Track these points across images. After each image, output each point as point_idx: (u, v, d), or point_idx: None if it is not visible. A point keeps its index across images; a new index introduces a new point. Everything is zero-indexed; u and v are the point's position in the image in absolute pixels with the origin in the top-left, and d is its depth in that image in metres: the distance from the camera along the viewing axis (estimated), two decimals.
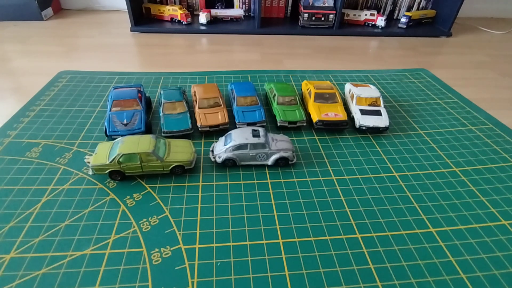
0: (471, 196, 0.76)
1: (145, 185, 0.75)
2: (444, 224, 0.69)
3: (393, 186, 0.78)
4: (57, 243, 0.61)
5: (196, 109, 0.92)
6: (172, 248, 0.61)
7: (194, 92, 0.98)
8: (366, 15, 1.80)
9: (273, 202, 0.72)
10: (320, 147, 0.90)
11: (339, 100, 0.98)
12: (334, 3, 1.74)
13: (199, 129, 0.89)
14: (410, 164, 0.85)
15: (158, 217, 0.67)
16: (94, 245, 0.61)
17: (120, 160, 0.72)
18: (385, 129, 0.94)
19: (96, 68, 1.28)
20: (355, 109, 0.98)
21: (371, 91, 1.01)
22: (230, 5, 1.88)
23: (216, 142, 0.85)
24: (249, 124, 0.91)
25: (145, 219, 0.67)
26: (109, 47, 1.49)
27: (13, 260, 0.58)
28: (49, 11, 1.83)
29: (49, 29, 1.67)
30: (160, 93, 0.96)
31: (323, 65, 1.41)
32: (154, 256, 0.60)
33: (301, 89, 1.13)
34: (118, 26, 1.75)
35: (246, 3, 1.88)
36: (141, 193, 0.73)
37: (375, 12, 1.79)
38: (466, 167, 0.85)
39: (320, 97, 0.99)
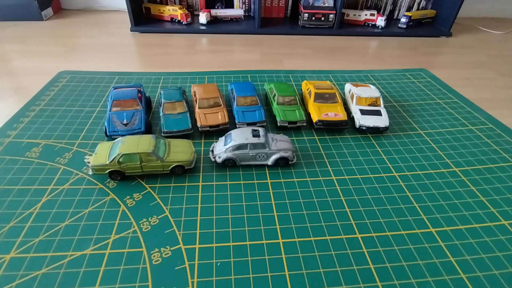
0: (471, 196, 0.76)
1: (145, 185, 0.75)
2: (444, 224, 0.69)
3: (393, 186, 0.78)
4: (57, 243, 0.61)
5: (196, 109, 0.92)
6: (172, 248, 0.61)
7: (194, 92, 0.98)
8: (366, 15, 1.80)
9: (273, 202, 0.72)
10: (320, 147, 0.90)
11: (339, 100, 0.98)
12: (334, 3, 1.74)
13: (199, 129, 0.89)
14: (410, 164, 0.85)
15: (158, 217, 0.67)
16: (94, 245, 0.61)
17: (120, 160, 0.72)
18: (385, 129, 0.94)
19: (96, 68, 1.28)
20: (355, 109, 0.98)
21: (371, 91, 1.01)
22: (230, 5, 1.88)
23: (216, 142, 0.85)
24: (249, 124, 0.91)
25: (145, 219, 0.67)
26: (109, 47, 1.49)
27: (13, 260, 0.58)
28: (49, 11, 1.83)
29: (49, 29, 1.67)
30: (160, 93, 0.96)
31: (323, 65, 1.41)
32: (154, 256, 0.60)
33: (301, 89, 1.13)
34: (118, 26, 1.75)
35: (246, 3, 1.88)
36: (141, 193, 0.73)
37: (375, 12, 1.79)
38: (466, 167, 0.85)
39: (320, 97, 0.99)
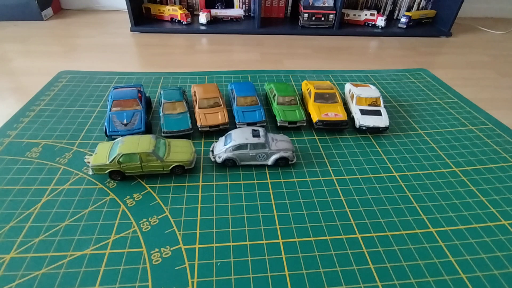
0: (471, 196, 0.76)
1: (145, 185, 0.75)
2: (444, 224, 0.69)
3: (393, 186, 0.78)
4: (57, 243, 0.61)
5: (196, 109, 0.92)
6: (172, 248, 0.61)
7: (194, 92, 0.98)
8: (366, 15, 1.80)
9: (273, 202, 0.72)
10: (320, 147, 0.90)
11: (339, 100, 0.98)
12: (334, 3, 1.74)
13: (199, 129, 0.89)
14: (410, 164, 0.85)
15: (158, 217, 0.67)
16: (94, 245, 0.61)
17: (120, 160, 0.72)
18: (385, 129, 0.94)
19: (96, 68, 1.28)
20: (355, 109, 0.98)
21: (371, 91, 1.01)
22: (230, 5, 1.88)
23: (216, 142, 0.85)
24: (249, 124, 0.91)
25: (145, 219, 0.67)
26: (109, 47, 1.49)
27: (13, 260, 0.58)
28: (49, 11, 1.83)
29: (49, 29, 1.67)
30: (160, 93, 0.96)
31: (323, 65, 1.41)
32: (154, 256, 0.60)
33: (301, 89, 1.13)
34: (118, 26, 1.75)
35: (246, 3, 1.88)
36: (141, 193, 0.73)
37: (375, 12, 1.79)
38: (466, 167, 0.85)
39: (320, 97, 0.99)
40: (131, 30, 1.66)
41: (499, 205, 0.74)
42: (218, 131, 0.92)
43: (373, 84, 1.25)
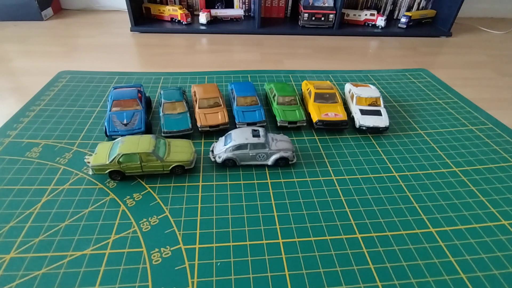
0: (471, 196, 0.76)
1: (145, 185, 0.75)
2: (444, 224, 0.69)
3: (393, 186, 0.78)
4: (57, 243, 0.61)
5: (196, 109, 0.92)
6: (172, 248, 0.61)
7: (194, 92, 0.98)
8: (366, 15, 1.80)
9: (273, 202, 0.72)
10: (320, 147, 0.90)
11: (339, 100, 0.98)
12: (334, 3, 1.74)
13: (199, 129, 0.89)
14: (410, 164, 0.85)
15: (158, 217, 0.67)
16: (94, 245, 0.61)
17: (120, 160, 0.72)
18: (385, 129, 0.94)
19: (96, 68, 1.28)
20: (355, 109, 0.98)
21: (371, 91, 1.01)
22: (230, 5, 1.88)
23: (216, 142, 0.85)
24: (249, 124, 0.91)
25: (145, 219, 0.67)
26: (109, 47, 1.49)
27: (13, 260, 0.58)
28: (49, 11, 1.83)
29: (49, 29, 1.67)
30: (160, 93, 0.96)
31: (323, 65, 1.41)
32: (154, 256, 0.60)
33: (301, 89, 1.13)
34: (118, 26, 1.75)
35: (246, 3, 1.88)
36: (141, 193, 0.73)
37: (375, 12, 1.79)
38: (466, 167, 0.85)
39: (320, 97, 0.99)
40: (131, 30, 1.66)
41: (499, 205, 0.74)
42: (218, 131, 0.92)
43: (373, 84, 1.25)
